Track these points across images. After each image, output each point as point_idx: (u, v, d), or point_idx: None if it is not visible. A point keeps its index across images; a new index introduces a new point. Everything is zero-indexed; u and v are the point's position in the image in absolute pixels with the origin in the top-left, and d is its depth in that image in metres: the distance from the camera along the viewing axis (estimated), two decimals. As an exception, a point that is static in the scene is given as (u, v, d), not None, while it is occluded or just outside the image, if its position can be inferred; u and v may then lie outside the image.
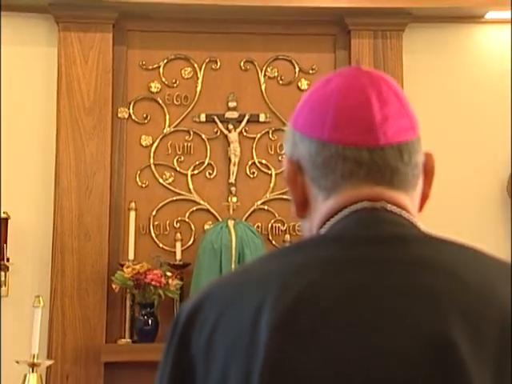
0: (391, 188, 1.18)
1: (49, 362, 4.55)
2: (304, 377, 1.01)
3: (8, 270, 5.44)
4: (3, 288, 5.46)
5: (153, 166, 5.72)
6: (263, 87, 5.83)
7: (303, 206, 1.23)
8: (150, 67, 5.79)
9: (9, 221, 5.44)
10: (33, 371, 3.80)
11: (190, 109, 5.77)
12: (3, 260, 5.40)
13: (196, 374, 1.08)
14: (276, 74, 5.84)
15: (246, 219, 5.66)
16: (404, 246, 1.12)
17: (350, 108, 1.19)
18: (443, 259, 1.10)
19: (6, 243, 5.41)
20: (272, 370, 1.02)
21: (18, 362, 3.89)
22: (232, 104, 5.77)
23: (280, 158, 5.74)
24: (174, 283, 5.38)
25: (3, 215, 5.41)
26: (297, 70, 5.85)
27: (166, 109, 5.77)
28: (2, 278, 5.45)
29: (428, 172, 1.23)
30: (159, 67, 5.80)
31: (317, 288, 1.07)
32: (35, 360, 3.82)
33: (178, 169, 5.74)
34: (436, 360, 1.01)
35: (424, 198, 1.23)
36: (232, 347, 1.06)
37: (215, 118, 5.76)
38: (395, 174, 1.17)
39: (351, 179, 1.18)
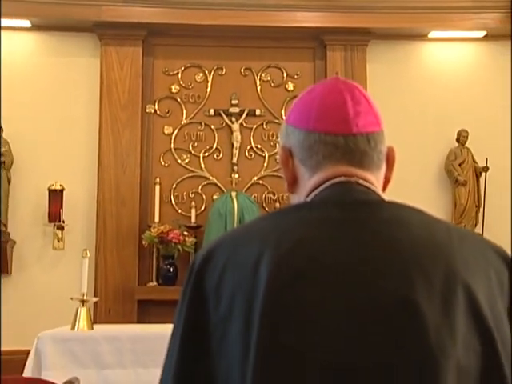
0: (361, 168, 1.18)
1: (95, 299, 4.58)
2: (297, 304, 1.02)
3: (63, 229, 5.49)
4: (60, 243, 5.50)
5: (173, 150, 5.74)
6: (259, 88, 5.83)
7: (294, 184, 1.22)
8: (171, 73, 5.79)
9: (64, 192, 5.48)
10: (83, 306, 3.82)
11: (201, 105, 5.78)
12: (60, 221, 5.43)
13: (209, 305, 1.07)
14: (269, 78, 5.84)
15: (245, 191, 5.69)
16: (371, 208, 1.14)
17: (330, 105, 1.19)
18: (402, 218, 1.13)
19: (62, 209, 5.44)
20: (271, 298, 1.02)
21: (71, 299, 3.91)
22: (234, 101, 5.78)
23: (271, 143, 5.75)
24: (190, 240, 5.42)
25: (59, 187, 5.43)
26: (285, 75, 5.84)
27: (183, 105, 5.77)
28: (59, 236, 5.49)
29: (390, 161, 1.23)
30: (178, 73, 5.79)
31: (305, 241, 1.07)
32: (84, 297, 3.84)
33: (192, 152, 5.75)
34: (396, 296, 1.03)
35: (386, 181, 1.23)
36: (238, 284, 1.05)
37: (221, 112, 5.77)
38: (364, 157, 1.18)
39: (330, 159, 1.17)
